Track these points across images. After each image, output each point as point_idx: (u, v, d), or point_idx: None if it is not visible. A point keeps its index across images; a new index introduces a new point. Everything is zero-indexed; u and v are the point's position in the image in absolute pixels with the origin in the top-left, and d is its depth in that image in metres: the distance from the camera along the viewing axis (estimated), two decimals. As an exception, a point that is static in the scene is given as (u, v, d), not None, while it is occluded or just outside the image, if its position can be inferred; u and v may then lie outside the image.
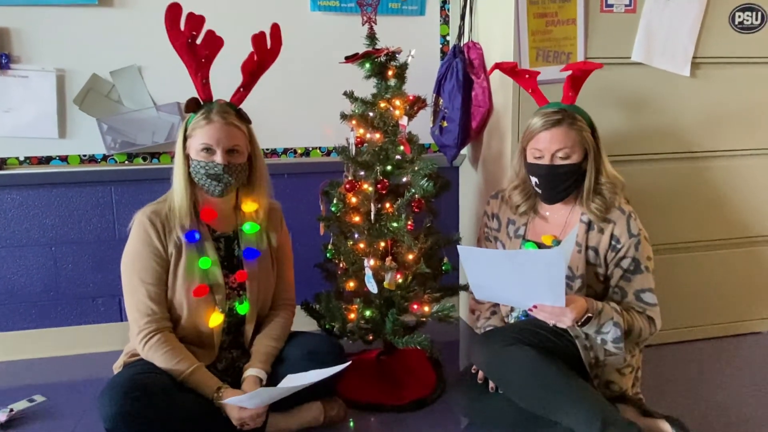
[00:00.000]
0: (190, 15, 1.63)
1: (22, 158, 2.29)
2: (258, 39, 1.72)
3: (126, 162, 2.37)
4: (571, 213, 1.79)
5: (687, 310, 2.44)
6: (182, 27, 1.62)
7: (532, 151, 1.73)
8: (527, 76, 1.82)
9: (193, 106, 1.68)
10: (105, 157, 2.34)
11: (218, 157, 1.65)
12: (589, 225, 1.75)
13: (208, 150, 1.65)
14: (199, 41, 1.65)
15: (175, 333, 1.70)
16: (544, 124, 1.69)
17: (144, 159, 2.38)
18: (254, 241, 1.79)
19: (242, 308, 1.76)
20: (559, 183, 1.72)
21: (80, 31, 2.25)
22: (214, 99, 1.72)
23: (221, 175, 1.66)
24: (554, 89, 1.92)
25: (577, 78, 1.75)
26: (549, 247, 1.76)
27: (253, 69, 1.74)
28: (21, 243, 2.35)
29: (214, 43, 1.68)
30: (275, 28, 1.75)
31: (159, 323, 1.66)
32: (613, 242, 1.73)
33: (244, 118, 1.73)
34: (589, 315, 1.60)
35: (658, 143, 2.30)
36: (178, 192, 1.69)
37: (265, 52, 1.74)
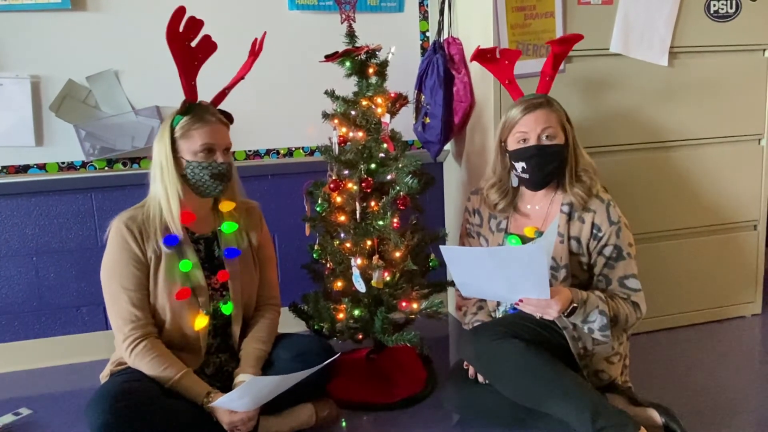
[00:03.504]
0: (191, 18, 1.60)
1: (-2, 167, 2.25)
2: (254, 45, 1.74)
3: (106, 168, 2.33)
4: (552, 204, 1.80)
5: (671, 298, 2.46)
6: (181, 29, 1.60)
7: (516, 135, 1.73)
8: (506, 62, 1.82)
9: (184, 108, 1.67)
10: (84, 164, 2.31)
11: (219, 157, 1.66)
12: (569, 215, 1.76)
13: (209, 150, 1.65)
14: (194, 44, 1.64)
15: (160, 338, 1.68)
16: (526, 108, 1.71)
17: (124, 164, 2.35)
18: (234, 240, 1.78)
19: (226, 308, 1.75)
20: (548, 164, 1.72)
21: (54, 36, 2.21)
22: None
23: (224, 173, 1.67)
24: (534, 83, 1.92)
25: (559, 56, 1.77)
26: (532, 239, 1.77)
27: (244, 74, 1.76)
28: (0, 254, 2.31)
29: (208, 47, 1.67)
30: (264, 36, 1.77)
31: (144, 329, 1.64)
32: (594, 231, 1.74)
33: (229, 118, 1.74)
34: (575, 305, 1.62)
35: (637, 133, 2.32)
36: (169, 196, 1.66)
37: (255, 56, 1.76)
